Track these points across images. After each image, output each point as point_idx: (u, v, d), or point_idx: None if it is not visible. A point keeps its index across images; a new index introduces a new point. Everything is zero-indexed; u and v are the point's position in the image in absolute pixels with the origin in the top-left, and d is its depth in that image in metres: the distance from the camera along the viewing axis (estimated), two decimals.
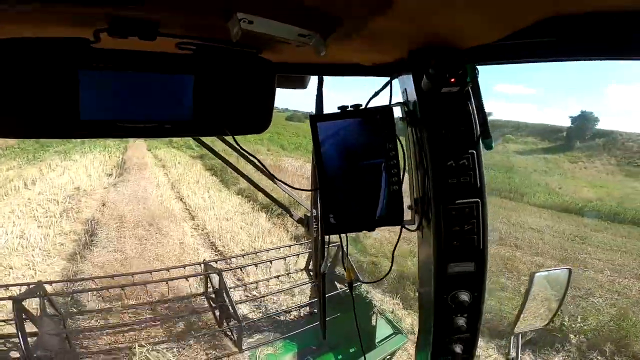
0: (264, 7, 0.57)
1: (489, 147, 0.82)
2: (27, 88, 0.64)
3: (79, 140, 24.13)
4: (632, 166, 24.99)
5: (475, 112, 0.80)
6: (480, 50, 0.77)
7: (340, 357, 3.40)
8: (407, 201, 0.93)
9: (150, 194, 10.86)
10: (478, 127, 0.81)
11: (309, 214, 2.48)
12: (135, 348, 3.34)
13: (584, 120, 32.96)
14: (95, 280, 3.79)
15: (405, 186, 0.90)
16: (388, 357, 3.57)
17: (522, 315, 1.47)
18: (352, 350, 3.40)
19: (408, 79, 0.86)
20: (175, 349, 3.67)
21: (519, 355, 1.60)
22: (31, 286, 3.13)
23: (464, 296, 0.90)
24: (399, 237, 0.93)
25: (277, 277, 4.52)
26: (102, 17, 0.60)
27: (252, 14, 0.56)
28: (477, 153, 0.82)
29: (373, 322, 3.51)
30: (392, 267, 1.09)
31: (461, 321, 0.92)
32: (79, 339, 3.77)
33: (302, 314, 4.39)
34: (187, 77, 0.70)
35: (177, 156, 21.00)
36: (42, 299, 3.12)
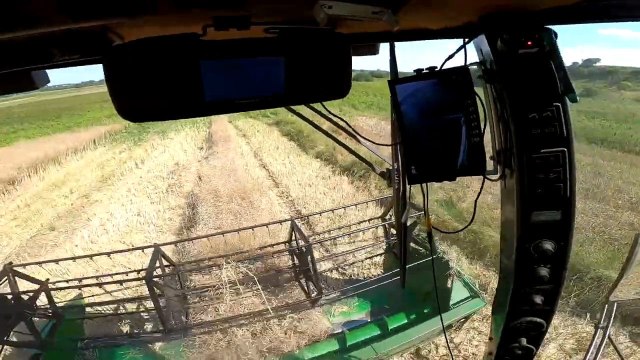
0: None
1: (573, 100, 0.83)
2: (161, 77, 0.78)
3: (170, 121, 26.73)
4: None
5: (555, 68, 0.80)
6: (556, 11, 0.80)
7: (412, 317, 3.38)
8: (489, 154, 0.94)
9: (237, 165, 11.36)
10: (559, 82, 0.81)
11: (390, 168, 2.56)
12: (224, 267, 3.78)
13: None
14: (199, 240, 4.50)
15: (487, 140, 0.93)
16: (462, 320, 3.52)
17: (621, 282, 1.36)
18: (425, 310, 3.38)
19: (482, 41, 0.88)
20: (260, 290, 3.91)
21: (610, 325, 1.51)
22: (152, 249, 3.71)
23: (548, 245, 0.90)
24: (482, 187, 0.97)
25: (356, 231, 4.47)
26: (208, 16, 0.75)
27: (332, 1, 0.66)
28: (563, 105, 0.83)
29: (449, 284, 3.46)
30: (474, 218, 1.09)
31: (544, 271, 0.93)
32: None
33: (377, 273, 4.43)
34: (279, 59, 0.81)
35: (255, 125, 21.80)
36: (160, 258, 3.69)
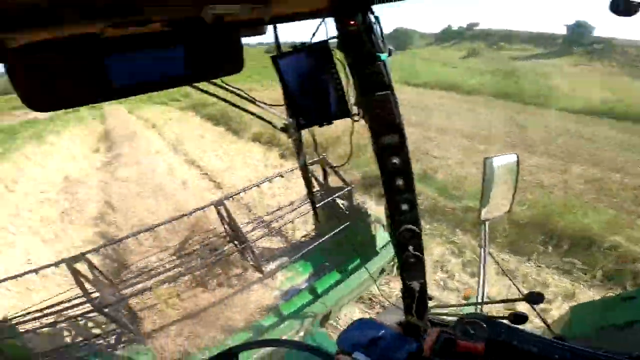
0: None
1: (384, 58, 1.11)
2: (66, 73, 0.84)
3: (47, 120, 21.10)
4: (636, 68, 23.55)
5: (374, 37, 1.08)
6: None
7: (351, 267, 3.67)
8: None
9: (156, 167, 8.85)
10: (376, 47, 1.08)
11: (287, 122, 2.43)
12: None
13: (580, 28, 31.36)
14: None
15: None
16: (392, 263, 3.74)
17: (484, 202, 1.61)
18: (358, 261, 3.66)
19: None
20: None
21: (487, 243, 1.75)
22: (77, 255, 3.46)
23: (396, 160, 1.18)
24: (352, 126, 1.24)
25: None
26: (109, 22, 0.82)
27: (217, 4, 0.82)
28: (384, 63, 1.11)
29: (373, 231, 3.75)
30: (352, 152, 1.40)
31: (400, 181, 1.21)
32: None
33: (308, 235, 4.62)
34: (178, 47, 0.94)
35: (166, 112, 18.31)
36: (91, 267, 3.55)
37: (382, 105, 1.14)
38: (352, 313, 4.13)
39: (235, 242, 4.13)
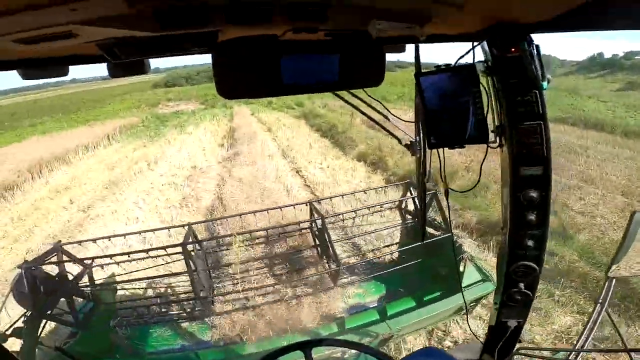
0: (387, 16, 0.88)
1: (544, 87, 1.09)
2: (251, 67, 0.98)
3: (190, 113, 24.97)
4: None
5: (535, 65, 1.07)
6: (541, 23, 1.01)
7: (425, 298, 3.53)
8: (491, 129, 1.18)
9: (266, 170, 9.21)
10: (535, 76, 1.08)
11: (412, 141, 2.93)
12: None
13: None
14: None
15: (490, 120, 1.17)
16: (473, 303, 3.59)
17: (618, 258, 1.46)
18: (437, 293, 3.52)
19: (485, 45, 1.15)
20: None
21: (607, 301, 1.59)
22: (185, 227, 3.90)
23: (534, 194, 1.13)
24: (486, 153, 1.20)
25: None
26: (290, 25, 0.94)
27: (381, 19, 0.89)
28: (539, 92, 1.09)
29: (461, 268, 3.57)
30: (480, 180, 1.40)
31: (532, 216, 1.16)
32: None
33: (393, 258, 4.37)
34: (335, 55, 1.02)
35: (280, 118, 19.59)
36: (192, 236, 3.86)
37: (530, 135, 1.13)
38: (416, 343, 3.94)
39: (319, 244, 4.17)
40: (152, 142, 16.45)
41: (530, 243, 1.18)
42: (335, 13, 0.80)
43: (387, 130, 3.00)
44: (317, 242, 4.22)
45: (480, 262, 3.75)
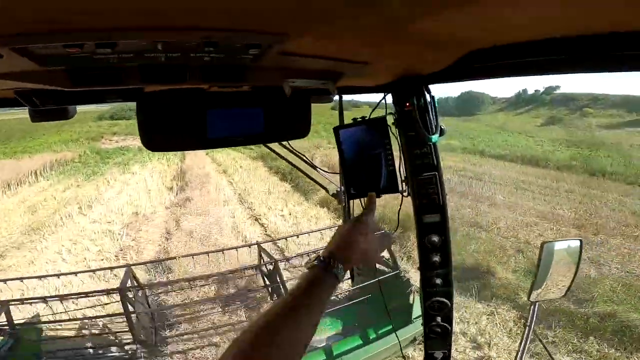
0: (300, 74, 0.92)
1: (434, 140, 1.14)
2: (176, 119, 0.99)
3: (136, 149, 23.33)
4: None
5: (431, 117, 1.13)
6: (437, 74, 1.07)
7: (380, 331, 3.55)
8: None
9: (221, 218, 8.40)
10: (429, 128, 1.14)
11: (339, 190, 3.32)
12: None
13: None
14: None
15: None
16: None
17: (537, 284, 1.59)
18: (390, 326, 3.46)
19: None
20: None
21: (533, 324, 1.77)
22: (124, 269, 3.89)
23: (435, 238, 1.23)
24: (401, 202, 1.26)
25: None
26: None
27: (294, 78, 0.91)
28: (434, 144, 1.17)
29: (410, 300, 3.71)
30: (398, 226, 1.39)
31: (436, 257, 1.25)
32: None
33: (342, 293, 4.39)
34: (259, 108, 1.06)
35: (237, 159, 18.91)
36: (132, 278, 3.83)
37: (427, 185, 1.20)
38: None
39: (270, 281, 4.17)
40: (88, 181, 14.69)
41: (438, 281, 1.28)
42: (251, 73, 0.83)
43: (315, 181, 3.04)
44: (268, 283, 4.24)
45: None
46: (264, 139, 1.16)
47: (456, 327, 5.26)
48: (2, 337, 3.38)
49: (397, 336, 2.83)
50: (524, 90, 46.82)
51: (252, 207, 10.07)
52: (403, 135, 1.18)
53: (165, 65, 0.73)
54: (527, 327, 1.83)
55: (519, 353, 1.76)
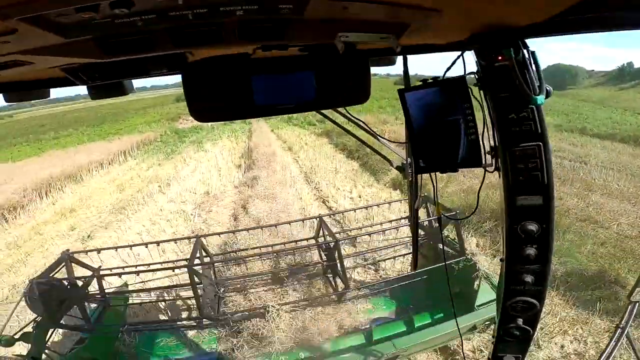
0: (355, 27, 0.77)
1: (539, 102, 0.91)
2: (222, 87, 0.96)
3: (210, 128, 24.55)
4: None
5: (532, 75, 0.89)
6: (532, 27, 0.88)
7: (436, 316, 3.39)
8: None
9: (288, 200, 7.98)
10: (530, 87, 0.89)
11: (405, 163, 2.93)
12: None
13: None
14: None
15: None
16: (487, 322, 3.42)
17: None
18: (448, 312, 3.31)
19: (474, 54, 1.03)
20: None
21: (629, 325, 1.54)
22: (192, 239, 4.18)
23: (532, 226, 1.00)
24: (483, 178, 1.09)
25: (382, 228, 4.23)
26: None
27: (347, 32, 0.77)
28: (537, 107, 0.93)
29: (475, 287, 3.42)
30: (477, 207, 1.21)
31: (531, 250, 1.02)
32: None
33: (405, 274, 4.00)
34: (310, 72, 0.97)
35: (301, 136, 18.56)
36: (201, 249, 4.08)
37: (527, 158, 0.96)
38: None
39: (327, 257, 4.01)
40: (167, 159, 15.70)
41: (528, 279, 1.07)
42: (294, 28, 0.71)
43: (377, 152, 2.60)
44: (325, 259, 4.10)
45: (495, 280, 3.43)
46: (316, 106, 1.05)
47: (569, 346, 4.15)
48: (94, 305, 3.59)
49: (457, 323, 2.44)
50: (629, 64, 40.25)
51: (319, 187, 9.53)
52: (492, 98, 0.96)
53: (196, 25, 0.67)
54: (618, 328, 1.67)
55: (605, 354, 1.49)
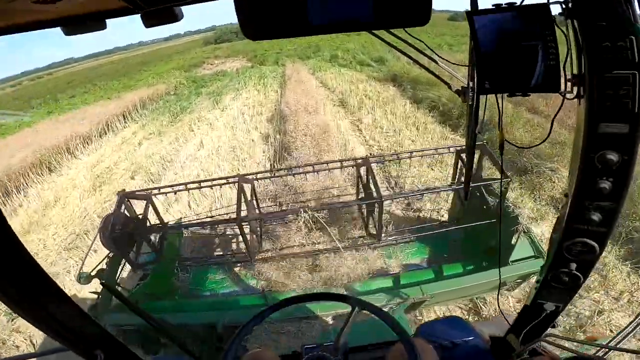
0: None
1: None
2: (273, 2, 0.86)
3: (233, 73, 19.71)
4: None
5: (631, 3, 0.79)
6: None
7: (469, 268, 3.27)
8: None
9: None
10: (632, 16, 0.80)
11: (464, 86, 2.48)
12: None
13: None
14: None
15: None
16: (519, 280, 3.29)
17: None
18: (483, 263, 3.23)
19: None
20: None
21: None
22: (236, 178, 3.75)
23: (613, 156, 0.89)
24: (561, 105, 0.97)
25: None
26: None
27: None
28: (636, 37, 0.82)
29: (513, 241, 3.14)
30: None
31: (605, 184, 0.92)
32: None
33: (442, 220, 4.21)
34: None
35: (354, 80, 13.11)
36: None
37: (617, 84, 0.86)
38: (447, 313, 3.53)
39: (365, 202, 3.79)
40: (173, 124, 11.44)
41: (595, 217, 0.96)
42: None
43: (435, 75, 2.54)
44: (363, 193, 3.88)
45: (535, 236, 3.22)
46: (373, 26, 0.97)
47: None
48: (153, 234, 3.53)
49: (499, 273, 1.95)
50: None
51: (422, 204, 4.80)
52: (584, 26, 0.84)
53: None
54: None
55: (628, 329, 1.24)
